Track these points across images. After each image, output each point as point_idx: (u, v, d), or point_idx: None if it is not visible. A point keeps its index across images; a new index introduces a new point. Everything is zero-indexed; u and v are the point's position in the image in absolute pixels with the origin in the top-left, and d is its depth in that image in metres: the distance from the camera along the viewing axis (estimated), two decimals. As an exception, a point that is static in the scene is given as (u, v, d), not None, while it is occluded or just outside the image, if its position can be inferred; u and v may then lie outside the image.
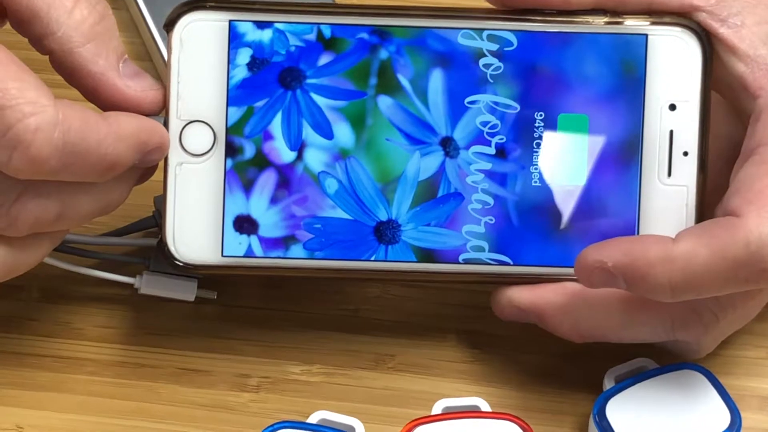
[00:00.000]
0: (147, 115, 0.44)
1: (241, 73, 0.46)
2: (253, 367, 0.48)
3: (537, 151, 0.46)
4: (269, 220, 0.46)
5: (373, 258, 0.46)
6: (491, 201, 0.46)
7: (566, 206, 0.46)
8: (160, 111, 0.45)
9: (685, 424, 0.45)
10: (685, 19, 0.45)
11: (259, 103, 0.46)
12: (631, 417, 0.45)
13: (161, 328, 0.49)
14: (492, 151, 0.46)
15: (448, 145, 0.46)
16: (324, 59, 0.46)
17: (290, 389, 0.47)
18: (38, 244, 0.44)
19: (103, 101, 0.43)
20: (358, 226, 0.46)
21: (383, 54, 0.46)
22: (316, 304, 0.50)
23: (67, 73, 0.43)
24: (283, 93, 0.46)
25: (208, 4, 0.45)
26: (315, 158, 0.46)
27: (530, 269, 0.46)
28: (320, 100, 0.46)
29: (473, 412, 0.45)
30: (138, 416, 0.47)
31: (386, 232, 0.46)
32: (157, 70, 0.56)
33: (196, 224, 0.46)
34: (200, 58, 0.45)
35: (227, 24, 0.45)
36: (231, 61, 0.46)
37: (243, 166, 0.46)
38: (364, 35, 0.46)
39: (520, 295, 0.46)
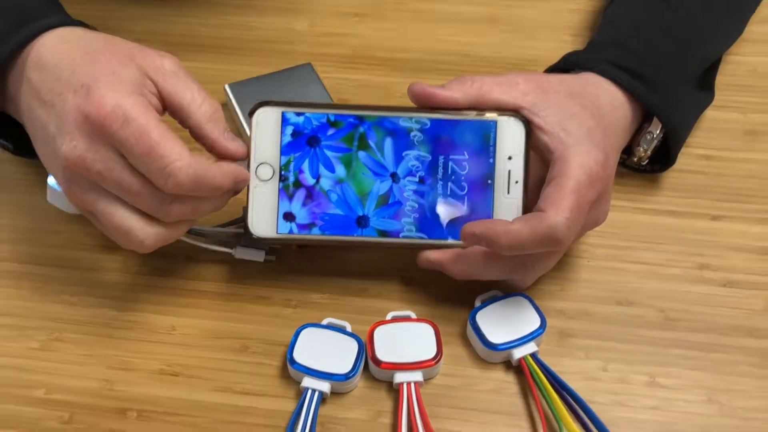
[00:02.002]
0: (239, 159, 0.46)
1: (287, 138, 0.48)
2: (293, 294, 0.50)
3: (440, 180, 0.48)
4: (301, 215, 0.48)
5: (355, 235, 0.48)
6: (416, 206, 0.48)
7: (455, 209, 0.48)
8: (246, 158, 0.47)
9: (517, 324, 0.47)
10: (516, 112, 0.47)
11: (297, 154, 0.48)
12: (489, 321, 0.47)
13: (245, 275, 0.51)
14: (417, 180, 0.48)
15: (394, 176, 0.48)
16: (330, 131, 0.48)
17: (312, 307, 0.50)
18: (179, 226, 0.45)
19: (217, 153, 0.46)
20: (348, 218, 0.48)
21: (361, 129, 0.48)
22: (327, 263, 0.52)
23: (198, 139, 0.46)
24: (309, 149, 0.48)
25: (271, 102, 0.48)
26: (325, 183, 0.48)
27: (436, 241, 0.48)
28: (328, 152, 0.48)
29: (408, 318, 0.48)
30: (234, 321, 0.49)
31: (362, 222, 0.48)
32: (243, 138, 0.52)
33: (263, 217, 0.48)
34: (266, 130, 0.48)
35: (281, 113, 0.48)
36: (282, 132, 0.48)
37: (288, 186, 0.48)
38: (351, 119, 0.48)
39: (430, 255, 0.48)
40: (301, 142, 0.48)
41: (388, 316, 0.49)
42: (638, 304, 0.50)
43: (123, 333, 0.49)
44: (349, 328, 0.48)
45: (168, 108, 0.45)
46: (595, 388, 0.47)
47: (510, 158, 0.48)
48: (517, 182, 0.48)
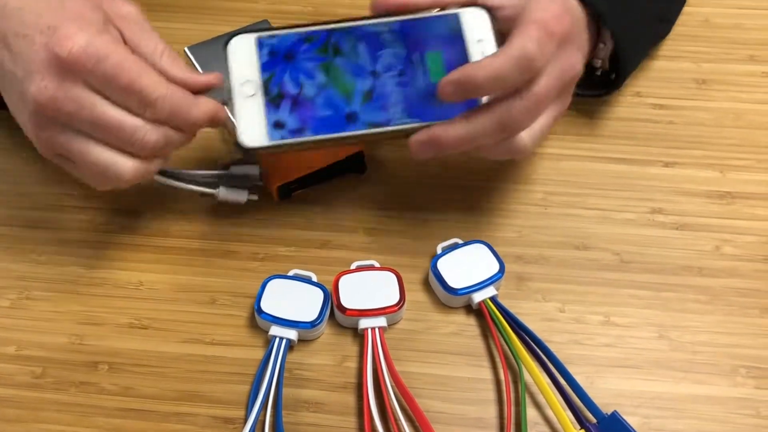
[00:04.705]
0: (213, 86, 0.46)
1: (265, 58, 0.48)
2: (259, 248, 0.51)
3: (419, 70, 0.48)
4: (291, 121, 0.47)
5: (347, 131, 0.47)
6: (402, 96, 0.47)
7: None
8: (220, 85, 0.46)
9: (476, 270, 0.48)
10: (474, 3, 0.48)
11: (277, 69, 0.47)
12: (450, 267, 0.48)
13: (212, 232, 0.51)
14: (397, 73, 0.48)
15: (374, 74, 0.48)
16: (305, 46, 0.48)
17: (279, 259, 0.50)
18: (154, 161, 0.45)
19: (193, 91, 0.45)
20: (337, 117, 0.47)
21: (333, 40, 0.48)
22: (292, 217, 0.52)
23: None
24: (287, 63, 0.48)
25: (242, 31, 0.48)
26: (309, 90, 0.47)
27: (428, 123, 0.46)
28: (307, 63, 0.48)
29: (371, 267, 0.49)
30: (202, 275, 0.49)
31: (351, 117, 0.47)
32: None
33: (253, 129, 0.47)
34: (243, 55, 0.47)
35: (255, 38, 0.48)
36: (259, 53, 0.47)
37: (273, 99, 0.47)
38: (323, 34, 0.48)
39: (420, 135, 0.46)
40: (278, 59, 0.48)
41: (352, 266, 0.49)
42: (594, 248, 0.51)
43: (91, 290, 0.49)
44: (314, 278, 0.49)
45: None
46: (553, 328, 0.48)
47: (480, 41, 0.48)
48: None
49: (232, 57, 0.48)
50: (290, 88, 0.48)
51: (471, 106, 0.46)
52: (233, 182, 0.51)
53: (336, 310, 0.47)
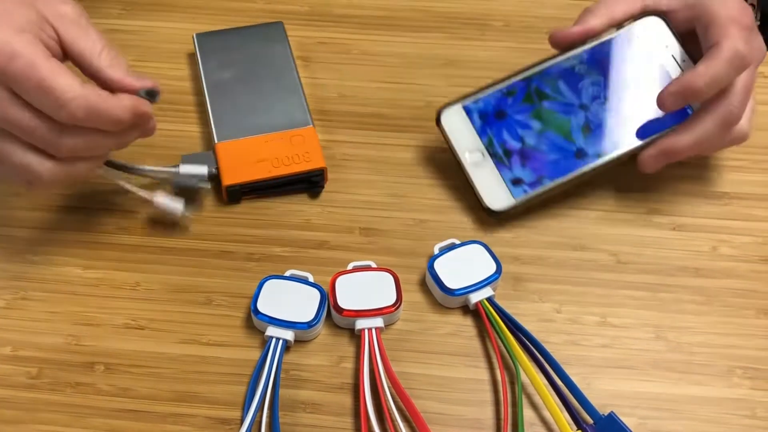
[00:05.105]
0: (148, 89, 0.45)
1: (478, 123, 0.51)
2: (256, 248, 0.50)
3: (623, 91, 0.51)
4: (526, 174, 0.51)
5: (582, 167, 0.50)
6: (617, 120, 0.51)
7: (650, 105, 0.49)
8: (155, 88, 0.45)
9: (473, 270, 0.48)
10: (647, 13, 0.51)
11: (493, 131, 0.51)
12: (447, 268, 0.48)
13: (208, 232, 0.51)
14: (603, 100, 0.51)
15: (583, 107, 0.51)
16: (509, 100, 0.52)
17: (275, 260, 0.50)
18: (77, 163, 0.44)
19: (128, 92, 0.44)
20: (567, 158, 0.50)
21: (533, 86, 0.52)
22: (289, 218, 0.52)
23: (102, 84, 0.44)
24: (500, 122, 0.51)
25: (448, 104, 0.52)
26: (530, 140, 0.51)
27: (651, 138, 0.50)
28: (518, 116, 0.51)
29: (368, 268, 0.49)
30: (198, 276, 0.49)
31: (580, 154, 0.50)
32: (199, 83, 0.56)
33: (495, 192, 0.50)
34: (457, 125, 0.51)
35: (461, 107, 0.52)
36: (471, 120, 0.52)
37: (501, 158, 0.51)
38: (520, 84, 0.52)
39: (652, 150, 0.49)
40: (490, 120, 0.51)
41: (349, 266, 0.49)
42: (590, 248, 0.51)
43: (88, 290, 0.49)
44: (311, 279, 0.48)
45: (68, 55, 0.44)
46: (550, 329, 0.48)
47: (667, 46, 0.51)
48: (684, 61, 0.51)
49: (448, 130, 0.51)
50: (513, 144, 0.51)
51: (684, 112, 0.49)
52: (183, 180, 0.51)
53: (333, 311, 0.47)
